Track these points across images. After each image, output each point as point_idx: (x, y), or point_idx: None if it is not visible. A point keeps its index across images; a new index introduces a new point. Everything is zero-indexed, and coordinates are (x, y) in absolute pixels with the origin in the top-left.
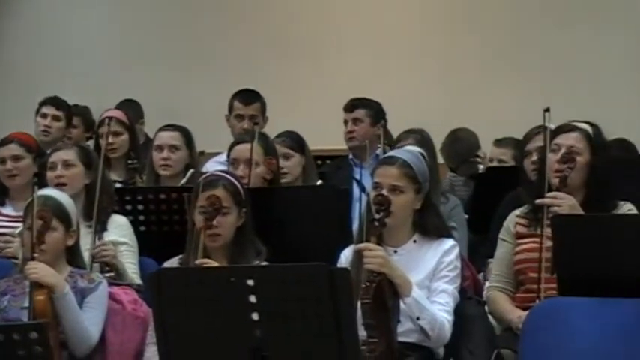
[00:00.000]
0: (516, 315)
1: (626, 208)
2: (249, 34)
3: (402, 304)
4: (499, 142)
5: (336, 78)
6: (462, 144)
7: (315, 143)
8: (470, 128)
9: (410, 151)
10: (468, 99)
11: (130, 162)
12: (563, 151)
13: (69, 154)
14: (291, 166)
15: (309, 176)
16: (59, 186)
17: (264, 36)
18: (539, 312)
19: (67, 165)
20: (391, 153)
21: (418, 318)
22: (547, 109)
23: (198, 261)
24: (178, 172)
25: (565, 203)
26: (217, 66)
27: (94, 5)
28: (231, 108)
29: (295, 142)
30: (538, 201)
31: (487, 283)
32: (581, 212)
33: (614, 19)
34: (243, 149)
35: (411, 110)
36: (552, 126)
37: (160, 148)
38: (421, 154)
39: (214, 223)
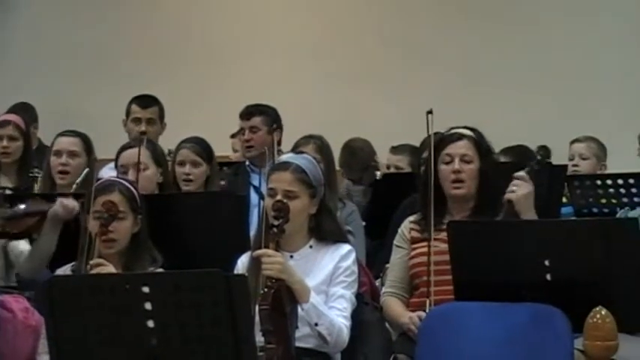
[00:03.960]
0: (407, 316)
1: None
2: (149, 40)
3: (299, 310)
4: (395, 149)
5: (235, 84)
6: (360, 155)
7: (215, 150)
8: (366, 134)
9: (303, 156)
10: (362, 105)
11: (32, 171)
12: (457, 160)
13: None
14: (198, 174)
15: (213, 185)
16: None
17: (163, 42)
18: (436, 317)
19: None
20: (284, 158)
21: (316, 324)
22: (430, 112)
23: (93, 261)
24: (75, 179)
25: (519, 191)
26: (115, 72)
27: None
28: (128, 112)
29: (205, 150)
30: (517, 176)
31: (383, 289)
32: (531, 203)
33: (501, 18)
34: (130, 154)
35: (307, 116)
36: (443, 131)
37: (59, 153)
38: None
39: (110, 228)
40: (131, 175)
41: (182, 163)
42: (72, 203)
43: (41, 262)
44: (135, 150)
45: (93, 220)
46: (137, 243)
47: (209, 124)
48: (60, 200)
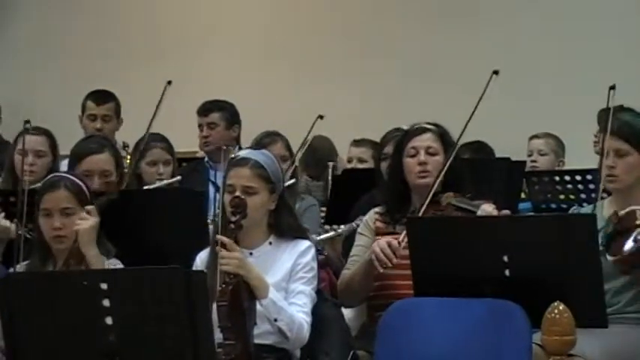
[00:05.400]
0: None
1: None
2: (109, 35)
3: (258, 307)
4: (357, 142)
5: (193, 80)
6: (320, 152)
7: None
8: (326, 128)
9: (261, 152)
10: (323, 100)
11: None
12: (422, 152)
13: None
14: (169, 171)
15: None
16: None
17: (122, 37)
18: (395, 312)
19: None
20: (243, 154)
21: (276, 320)
22: (496, 72)
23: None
24: (41, 178)
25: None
26: (72, 66)
27: None
28: (84, 108)
29: (171, 147)
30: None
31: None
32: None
33: (460, 15)
34: (96, 160)
35: (268, 113)
36: (405, 126)
37: (25, 152)
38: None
39: (59, 224)
40: (96, 182)
41: (154, 163)
42: (2, 223)
43: None
44: (101, 156)
45: (41, 217)
46: None
47: (167, 119)
48: None
